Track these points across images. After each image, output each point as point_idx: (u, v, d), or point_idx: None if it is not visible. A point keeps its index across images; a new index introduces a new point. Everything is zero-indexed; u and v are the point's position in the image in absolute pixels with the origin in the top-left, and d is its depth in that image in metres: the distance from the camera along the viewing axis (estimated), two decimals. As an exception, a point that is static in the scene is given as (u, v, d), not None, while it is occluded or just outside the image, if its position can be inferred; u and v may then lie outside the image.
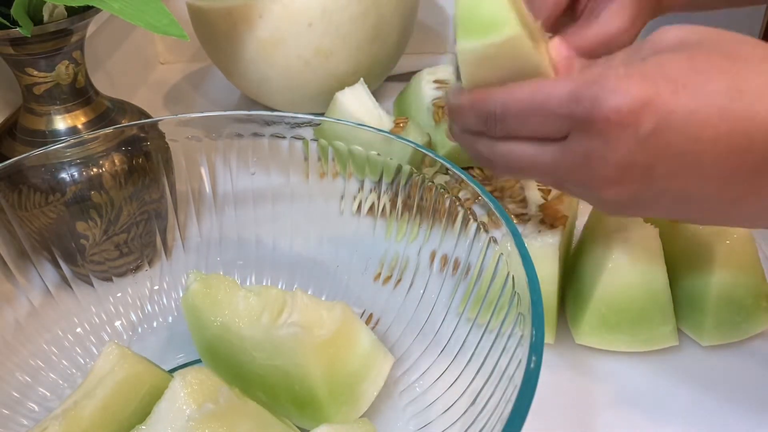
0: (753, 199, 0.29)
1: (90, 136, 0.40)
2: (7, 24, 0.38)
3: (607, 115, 0.28)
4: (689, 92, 0.28)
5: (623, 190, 0.30)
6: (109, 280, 0.43)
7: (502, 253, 0.32)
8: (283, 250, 0.45)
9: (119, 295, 0.43)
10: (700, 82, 0.28)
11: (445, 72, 0.58)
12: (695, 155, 0.28)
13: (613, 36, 0.40)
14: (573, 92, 0.29)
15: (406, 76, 0.63)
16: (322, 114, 0.49)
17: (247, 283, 0.44)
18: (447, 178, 0.37)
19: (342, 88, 0.54)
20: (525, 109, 0.31)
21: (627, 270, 0.38)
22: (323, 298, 0.42)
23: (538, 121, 0.31)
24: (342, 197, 0.43)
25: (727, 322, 0.39)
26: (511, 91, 0.31)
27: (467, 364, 0.34)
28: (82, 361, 0.39)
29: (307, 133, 0.41)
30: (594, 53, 0.37)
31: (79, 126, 0.43)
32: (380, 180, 0.40)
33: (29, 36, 0.37)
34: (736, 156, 0.28)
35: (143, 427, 0.30)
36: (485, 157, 0.34)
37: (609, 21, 0.40)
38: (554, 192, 0.49)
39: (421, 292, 0.39)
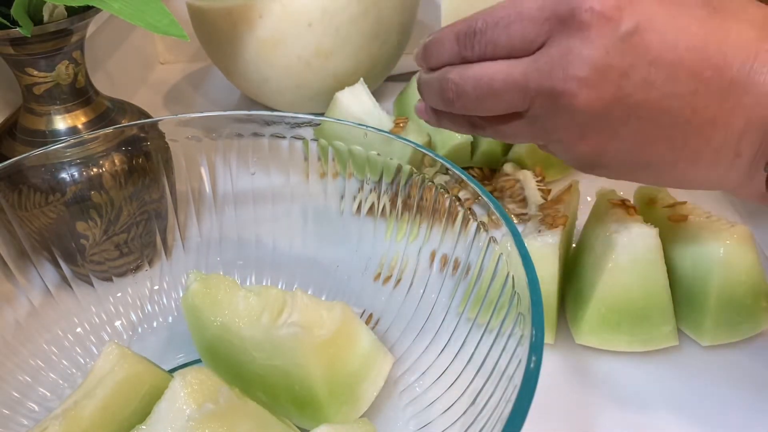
0: (722, 127, 0.29)
1: (90, 136, 0.40)
2: (7, 24, 0.38)
3: (591, 6, 0.28)
4: None
5: (597, 99, 0.29)
6: (109, 280, 0.43)
7: (502, 253, 0.32)
8: (283, 250, 0.45)
9: (119, 295, 0.43)
10: None
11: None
12: (671, 65, 0.28)
13: None
14: None
15: (406, 76, 0.63)
16: (322, 114, 0.49)
17: (247, 283, 0.44)
18: (447, 178, 0.37)
19: (342, 88, 0.54)
20: (506, 17, 0.31)
21: (627, 270, 0.38)
22: (323, 298, 0.42)
23: (519, 28, 0.31)
24: (342, 197, 0.43)
25: (726, 322, 0.39)
26: (492, 8, 0.32)
27: (467, 363, 0.34)
28: (82, 361, 0.39)
29: (307, 133, 0.41)
30: None
31: (79, 126, 0.43)
32: (380, 180, 0.40)
33: (29, 36, 0.37)
34: (709, 71, 0.28)
35: (143, 427, 0.30)
36: (452, 88, 0.33)
37: None
38: (554, 192, 0.49)
39: (421, 292, 0.39)
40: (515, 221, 0.49)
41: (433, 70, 0.35)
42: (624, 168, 0.32)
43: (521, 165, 0.52)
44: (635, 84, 0.29)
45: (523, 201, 0.49)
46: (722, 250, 0.38)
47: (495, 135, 0.35)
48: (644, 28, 0.28)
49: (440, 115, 0.37)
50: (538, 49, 0.30)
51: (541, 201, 0.49)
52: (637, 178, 0.34)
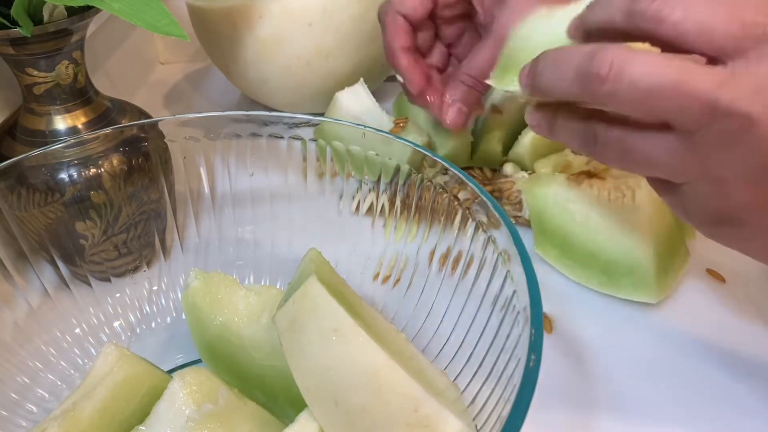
0: None
1: (90, 137, 0.40)
2: (7, 24, 0.38)
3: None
4: None
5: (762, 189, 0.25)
6: (108, 280, 0.43)
7: (500, 253, 0.32)
8: (281, 250, 0.44)
9: (118, 295, 0.43)
10: None
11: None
12: None
13: None
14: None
15: (406, 77, 0.62)
16: (322, 114, 0.49)
17: (246, 283, 0.44)
18: (446, 178, 0.37)
19: (342, 88, 0.54)
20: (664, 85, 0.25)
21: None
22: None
23: (708, 36, 0.25)
24: (341, 197, 0.43)
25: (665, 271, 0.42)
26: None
27: (466, 363, 0.34)
28: (80, 362, 0.39)
29: (306, 133, 0.41)
30: None
31: (79, 126, 0.43)
32: (379, 180, 0.40)
33: (29, 36, 0.37)
34: None
35: (142, 427, 0.30)
36: (592, 143, 0.28)
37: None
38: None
39: (420, 291, 0.39)
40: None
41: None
42: None
43: (521, 166, 0.52)
44: None
45: (520, 204, 0.49)
46: (647, 211, 0.40)
47: (622, 155, 0.28)
48: None
49: (556, 124, 0.32)
50: (735, 60, 0.25)
51: None
52: None
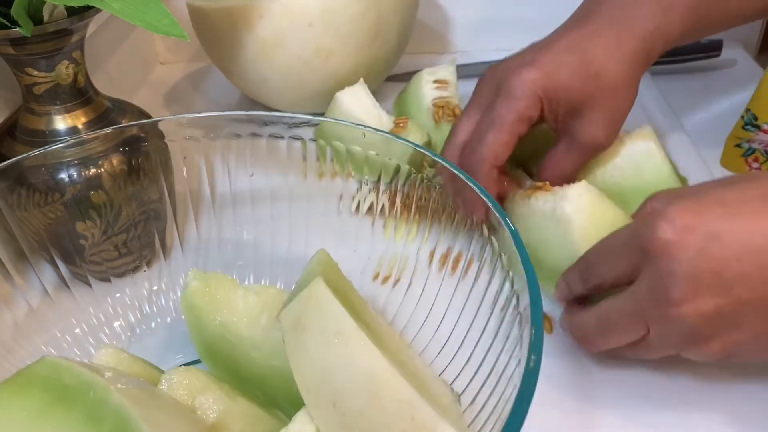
0: None
1: (90, 137, 0.40)
2: (7, 24, 0.38)
3: (663, 236, 0.31)
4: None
5: (704, 305, 0.31)
6: (107, 280, 0.43)
7: (501, 252, 0.32)
8: (281, 250, 0.44)
9: (117, 295, 0.43)
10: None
11: (445, 72, 0.58)
12: (756, 253, 0.30)
13: (599, 147, 0.44)
14: (633, 228, 0.33)
15: (406, 76, 0.62)
16: (322, 114, 0.49)
17: (246, 284, 0.44)
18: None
19: (342, 88, 0.54)
20: (597, 258, 0.36)
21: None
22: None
23: (611, 266, 0.35)
24: (340, 197, 0.43)
25: None
26: (586, 252, 0.37)
27: (466, 363, 0.34)
28: (80, 361, 0.39)
29: (306, 133, 0.41)
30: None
31: (79, 126, 0.43)
32: (379, 180, 0.40)
33: (29, 36, 0.37)
34: None
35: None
36: (577, 334, 0.38)
37: (590, 136, 0.43)
38: None
39: (420, 291, 0.39)
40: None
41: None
42: (761, 351, 0.33)
43: (519, 164, 0.52)
44: (733, 279, 0.30)
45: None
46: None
47: (635, 355, 0.37)
48: (717, 234, 0.30)
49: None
50: (638, 276, 0.33)
51: None
52: None
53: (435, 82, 0.58)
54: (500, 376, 0.29)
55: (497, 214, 0.32)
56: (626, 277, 0.34)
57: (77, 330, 0.40)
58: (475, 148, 0.42)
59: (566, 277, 0.38)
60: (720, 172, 0.54)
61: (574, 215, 0.39)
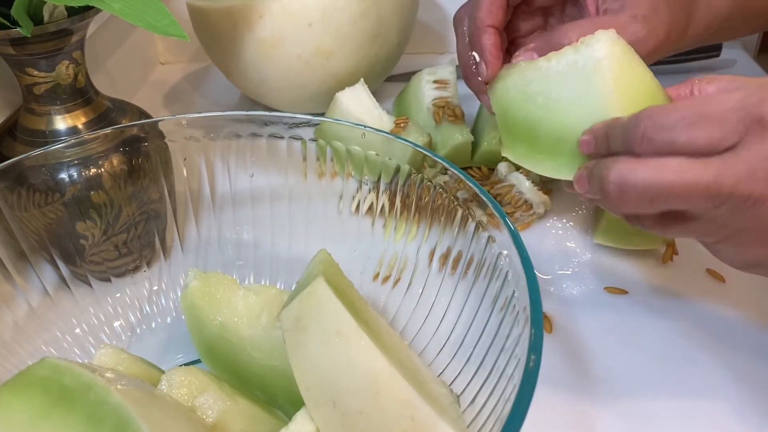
0: None
1: (90, 137, 0.40)
2: (8, 24, 0.38)
3: None
4: None
5: None
6: (108, 280, 0.43)
7: (500, 252, 0.32)
8: (281, 250, 0.44)
9: (118, 295, 0.43)
10: None
11: (445, 72, 0.58)
12: None
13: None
14: (740, 99, 0.29)
15: (406, 76, 0.62)
16: (322, 114, 0.49)
17: (246, 284, 0.44)
18: (446, 178, 0.37)
19: (342, 88, 0.54)
20: (686, 117, 0.29)
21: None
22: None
23: (705, 130, 0.29)
24: (341, 197, 0.43)
25: (618, 229, 0.44)
26: (660, 110, 0.30)
27: (466, 363, 0.34)
28: (80, 362, 0.39)
29: (306, 133, 0.41)
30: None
31: (79, 126, 0.43)
32: (379, 180, 0.40)
33: (29, 36, 0.37)
34: None
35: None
36: (613, 189, 0.31)
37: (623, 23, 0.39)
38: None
39: (420, 291, 0.39)
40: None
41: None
42: None
43: (516, 165, 0.52)
44: None
45: (526, 203, 0.49)
46: None
47: (663, 231, 0.33)
48: None
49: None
50: (726, 151, 0.29)
51: (545, 198, 0.49)
52: None
53: (435, 82, 0.58)
54: (500, 376, 0.29)
55: (497, 214, 0.32)
56: (706, 151, 0.29)
57: (77, 330, 0.40)
58: (472, 16, 0.41)
59: (607, 129, 0.32)
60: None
61: (606, 61, 0.32)
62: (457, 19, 0.46)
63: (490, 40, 0.41)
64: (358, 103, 0.53)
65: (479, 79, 0.42)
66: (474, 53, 0.42)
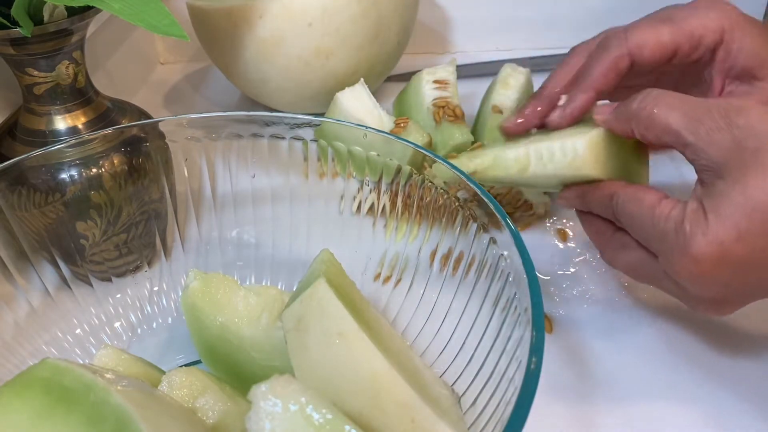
0: None
1: (90, 137, 0.40)
2: (8, 24, 0.38)
3: (692, 258, 0.31)
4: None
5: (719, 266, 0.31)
6: (108, 280, 0.43)
7: (502, 254, 0.32)
8: (282, 250, 0.44)
9: (119, 295, 0.43)
10: None
11: (445, 72, 0.58)
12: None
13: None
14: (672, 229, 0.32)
15: (406, 76, 0.62)
16: (322, 114, 0.49)
17: (247, 284, 0.44)
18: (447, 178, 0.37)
19: (342, 88, 0.54)
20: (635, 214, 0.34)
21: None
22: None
23: (644, 236, 0.34)
24: (342, 197, 0.43)
25: None
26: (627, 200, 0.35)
27: (467, 365, 0.34)
28: (81, 362, 0.39)
29: (307, 133, 0.41)
30: None
31: (80, 126, 0.43)
32: (380, 180, 0.40)
33: (29, 36, 0.37)
34: None
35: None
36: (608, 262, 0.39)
37: None
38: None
39: (421, 292, 0.39)
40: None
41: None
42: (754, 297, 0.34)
43: None
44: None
45: (526, 203, 0.49)
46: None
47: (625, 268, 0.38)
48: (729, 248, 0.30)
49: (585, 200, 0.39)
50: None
51: (546, 198, 0.49)
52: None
53: (435, 82, 0.57)
54: (501, 378, 0.29)
55: (498, 215, 0.32)
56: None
57: (78, 330, 0.40)
58: (588, 69, 0.40)
59: (584, 197, 0.38)
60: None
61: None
62: (575, 51, 0.43)
63: (583, 101, 0.40)
64: (358, 103, 0.53)
65: (538, 110, 0.42)
66: (565, 96, 0.42)
